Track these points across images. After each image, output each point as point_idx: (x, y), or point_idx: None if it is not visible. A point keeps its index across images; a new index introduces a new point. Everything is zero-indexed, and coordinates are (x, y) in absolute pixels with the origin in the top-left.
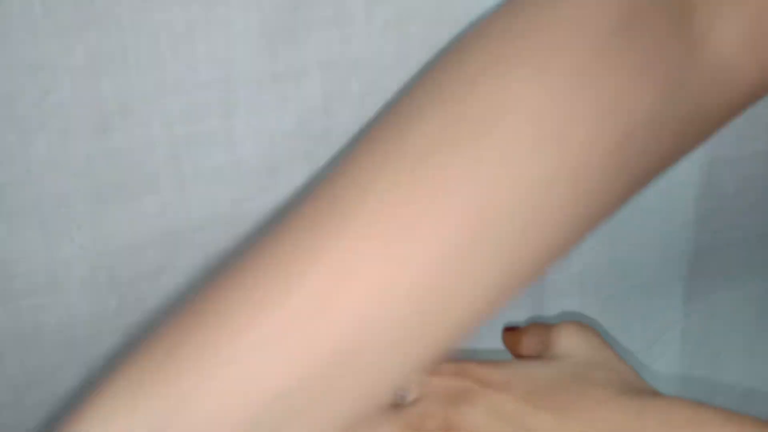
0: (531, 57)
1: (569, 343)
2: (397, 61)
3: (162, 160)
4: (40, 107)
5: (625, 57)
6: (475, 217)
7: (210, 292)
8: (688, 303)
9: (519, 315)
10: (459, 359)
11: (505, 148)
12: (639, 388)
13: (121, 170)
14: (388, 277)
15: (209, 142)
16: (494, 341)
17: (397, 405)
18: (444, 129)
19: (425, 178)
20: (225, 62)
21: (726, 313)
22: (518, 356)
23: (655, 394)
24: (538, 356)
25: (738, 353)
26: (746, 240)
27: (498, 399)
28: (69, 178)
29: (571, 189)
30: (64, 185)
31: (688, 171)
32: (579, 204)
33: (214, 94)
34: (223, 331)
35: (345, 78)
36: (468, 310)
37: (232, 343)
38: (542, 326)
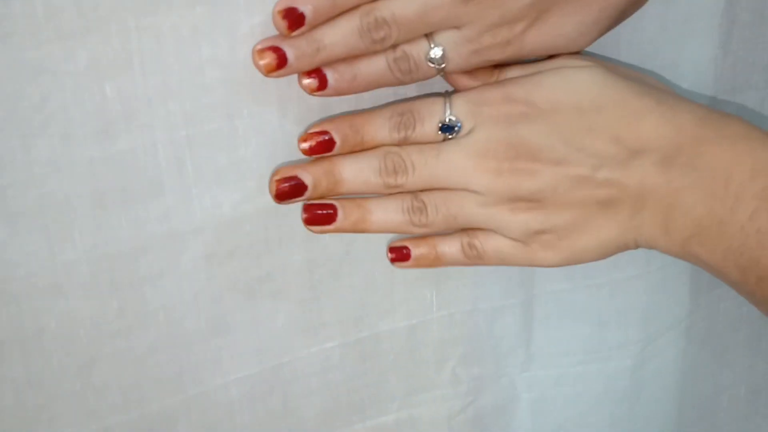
0: None
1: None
2: None
3: (164, 163)
4: (42, 110)
5: None
6: None
7: None
8: (694, 297)
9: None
10: (502, 83)
11: None
12: (672, 96)
13: (123, 173)
14: None
15: (212, 144)
16: None
17: (457, 138)
18: None
19: None
20: (229, 65)
21: (731, 309)
22: None
23: (686, 102)
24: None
25: (742, 350)
26: None
27: (553, 120)
28: (71, 182)
29: None
30: (67, 188)
31: None
32: None
33: (218, 96)
34: None
35: None
36: None
37: None
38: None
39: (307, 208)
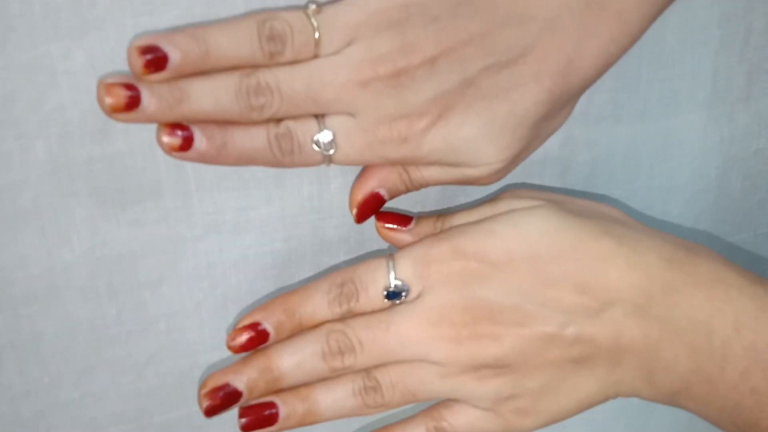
0: None
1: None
2: None
3: (164, 166)
4: (39, 110)
5: None
6: None
7: None
8: None
9: None
10: (448, 236)
11: None
12: (633, 233)
13: (121, 176)
14: None
15: None
16: None
17: (405, 305)
18: None
19: None
20: None
21: None
22: None
23: (648, 238)
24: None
25: None
26: (755, 242)
27: (509, 276)
28: (69, 183)
29: None
30: (64, 190)
31: (705, 176)
32: None
33: None
34: None
35: None
36: None
37: None
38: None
39: (243, 412)
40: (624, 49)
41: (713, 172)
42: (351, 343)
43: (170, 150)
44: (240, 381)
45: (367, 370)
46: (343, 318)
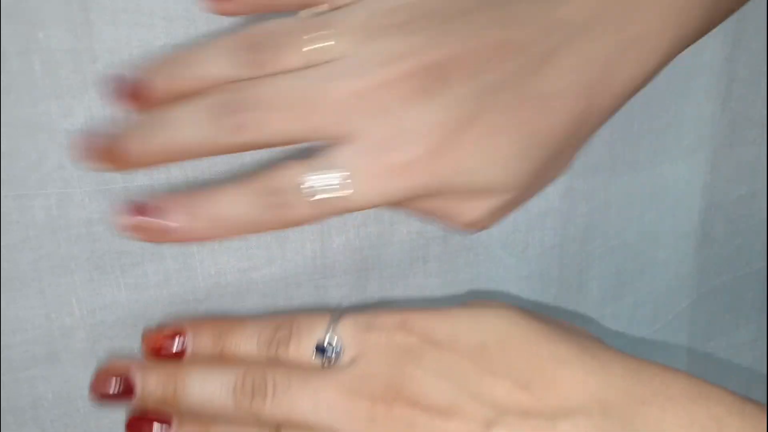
0: None
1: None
2: None
3: None
4: (38, 169)
5: None
6: None
7: None
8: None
9: None
10: (401, 309)
11: None
12: (600, 347)
13: (122, 237)
14: None
15: None
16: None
17: (334, 366)
18: None
19: None
20: None
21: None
22: None
23: (616, 353)
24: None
25: None
26: (734, 284)
27: (447, 359)
28: (68, 244)
29: None
30: (64, 251)
31: (688, 220)
32: None
33: (220, 158)
34: None
35: None
36: None
37: None
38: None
39: (130, 424)
40: (662, 65)
41: (696, 218)
42: (265, 387)
43: None
44: (139, 378)
45: (274, 428)
46: (268, 362)
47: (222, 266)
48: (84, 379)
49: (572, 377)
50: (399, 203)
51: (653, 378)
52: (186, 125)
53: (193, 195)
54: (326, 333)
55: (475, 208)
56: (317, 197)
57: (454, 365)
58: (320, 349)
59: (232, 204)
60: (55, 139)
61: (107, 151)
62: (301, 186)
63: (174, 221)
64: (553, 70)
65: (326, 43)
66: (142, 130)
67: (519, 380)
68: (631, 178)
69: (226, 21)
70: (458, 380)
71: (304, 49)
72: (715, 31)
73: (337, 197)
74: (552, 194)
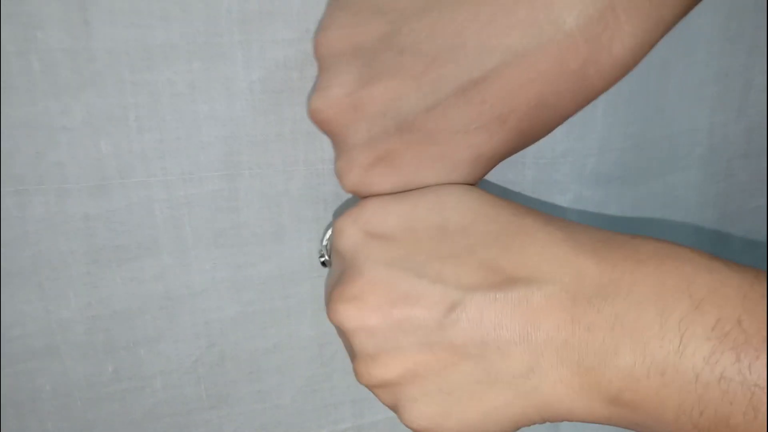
0: None
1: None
2: None
3: (161, 222)
4: (37, 166)
5: None
6: None
7: None
8: None
9: None
10: (358, 204)
11: None
12: (566, 220)
13: (119, 232)
14: None
15: (211, 204)
16: None
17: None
18: None
19: None
20: (227, 122)
21: None
22: None
23: (582, 225)
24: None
25: None
26: None
27: (396, 249)
28: (66, 240)
29: None
30: (62, 246)
31: (702, 230)
32: None
33: (217, 154)
34: None
35: None
36: None
37: None
38: None
39: None
40: (609, 84)
41: (710, 228)
42: None
43: None
44: None
45: None
46: None
47: (217, 262)
48: (82, 371)
49: (541, 248)
50: None
51: (622, 245)
52: None
53: None
54: (322, 242)
55: None
56: None
57: (409, 254)
58: (321, 255)
59: None
60: (53, 137)
61: None
62: None
63: None
64: (485, 95)
65: None
66: None
67: (485, 258)
68: (642, 188)
69: (224, 21)
70: (414, 268)
71: None
72: (731, 38)
73: None
74: (564, 203)
